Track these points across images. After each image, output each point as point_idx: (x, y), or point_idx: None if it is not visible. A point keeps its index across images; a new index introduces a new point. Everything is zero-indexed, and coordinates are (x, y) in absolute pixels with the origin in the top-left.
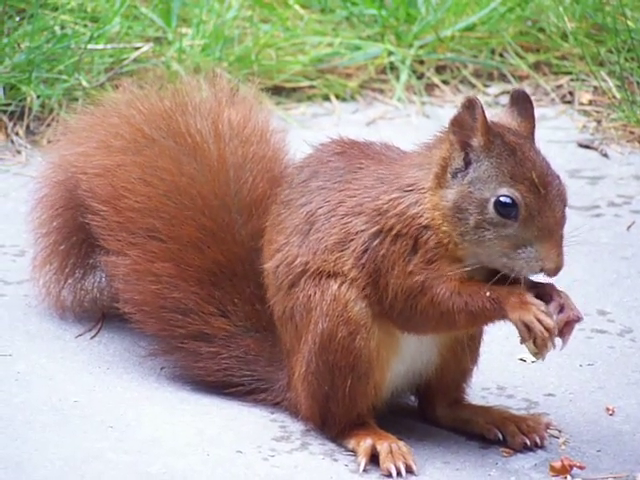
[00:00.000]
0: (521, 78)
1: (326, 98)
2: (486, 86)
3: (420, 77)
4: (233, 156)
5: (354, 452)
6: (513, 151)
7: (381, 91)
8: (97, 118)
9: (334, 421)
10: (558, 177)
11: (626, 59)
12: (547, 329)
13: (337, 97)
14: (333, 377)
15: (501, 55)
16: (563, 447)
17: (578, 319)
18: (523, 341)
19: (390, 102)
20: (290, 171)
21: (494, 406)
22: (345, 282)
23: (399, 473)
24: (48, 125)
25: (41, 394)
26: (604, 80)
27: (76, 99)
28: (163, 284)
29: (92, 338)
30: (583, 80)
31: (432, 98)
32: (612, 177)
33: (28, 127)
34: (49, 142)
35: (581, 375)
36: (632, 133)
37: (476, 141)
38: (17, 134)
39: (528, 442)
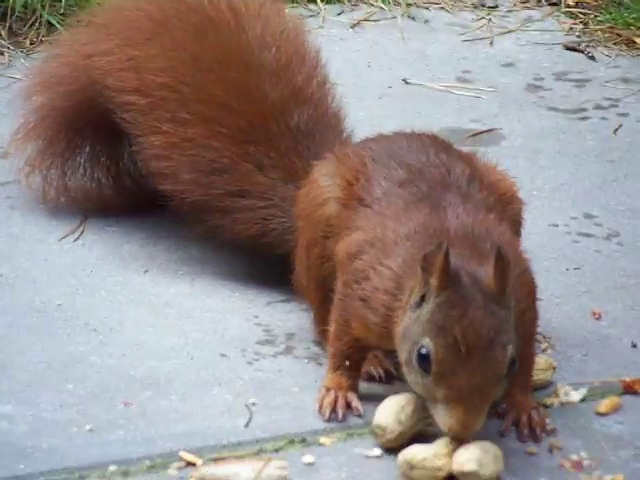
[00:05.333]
0: None
1: (311, 0)
2: None
3: None
4: (252, 30)
5: None
6: (454, 304)
7: None
8: (114, 15)
9: (315, 318)
10: (500, 345)
11: None
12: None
13: None
14: (308, 279)
15: None
16: (549, 351)
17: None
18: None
19: (375, 4)
20: (396, 137)
21: None
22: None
23: (380, 377)
24: (31, 26)
25: (24, 297)
26: None
27: (59, 0)
28: (198, 148)
29: (75, 241)
30: None
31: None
32: (599, 80)
33: (10, 28)
34: (32, 43)
35: (567, 279)
36: (619, 35)
37: (432, 282)
38: (0, 35)
39: None
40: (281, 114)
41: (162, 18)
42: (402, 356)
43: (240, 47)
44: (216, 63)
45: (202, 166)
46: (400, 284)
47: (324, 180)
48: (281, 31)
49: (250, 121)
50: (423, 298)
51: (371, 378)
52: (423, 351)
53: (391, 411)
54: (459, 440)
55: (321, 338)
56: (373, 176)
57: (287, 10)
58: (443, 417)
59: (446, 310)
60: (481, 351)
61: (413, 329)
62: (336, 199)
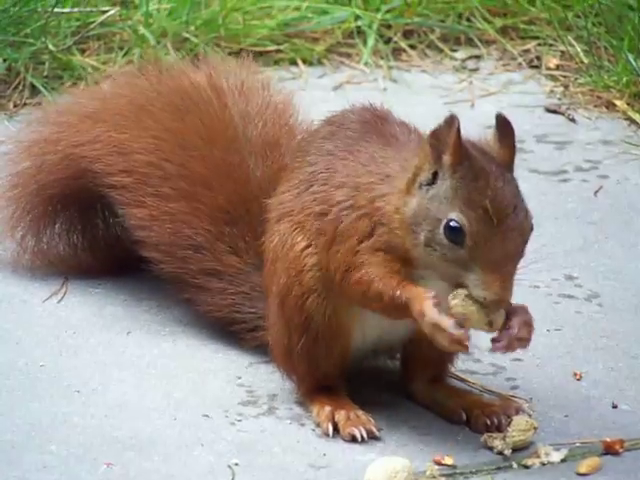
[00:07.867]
0: (488, 43)
1: (293, 62)
2: (453, 50)
3: (387, 41)
4: (236, 106)
5: (315, 419)
6: (476, 176)
7: (348, 55)
8: (101, 101)
9: (300, 378)
10: (523, 210)
11: (593, 24)
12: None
13: (304, 61)
14: (289, 333)
15: (468, 19)
16: (531, 412)
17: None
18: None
19: (357, 66)
20: (316, 124)
21: (471, 392)
22: (310, 247)
23: (362, 437)
24: (15, 88)
25: (8, 359)
26: (571, 45)
27: (42, 63)
28: (176, 222)
29: (58, 302)
30: (550, 45)
31: (399, 62)
32: (579, 142)
33: None
34: (15, 106)
35: (548, 340)
36: (599, 98)
37: (446, 159)
38: None
39: (489, 422)
40: (265, 194)
41: (144, 102)
42: (419, 237)
43: (223, 123)
44: (200, 140)
45: (179, 240)
46: (386, 174)
47: (279, 227)
48: (267, 105)
49: (230, 200)
50: (435, 175)
51: (353, 439)
52: (453, 224)
53: (385, 474)
54: (496, 307)
55: (304, 398)
56: (297, 171)
57: (273, 83)
58: (481, 287)
59: (470, 183)
60: (510, 219)
61: (432, 207)
62: (298, 235)
